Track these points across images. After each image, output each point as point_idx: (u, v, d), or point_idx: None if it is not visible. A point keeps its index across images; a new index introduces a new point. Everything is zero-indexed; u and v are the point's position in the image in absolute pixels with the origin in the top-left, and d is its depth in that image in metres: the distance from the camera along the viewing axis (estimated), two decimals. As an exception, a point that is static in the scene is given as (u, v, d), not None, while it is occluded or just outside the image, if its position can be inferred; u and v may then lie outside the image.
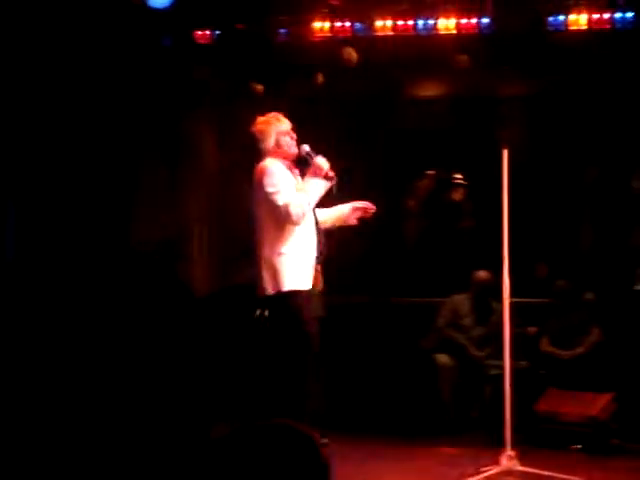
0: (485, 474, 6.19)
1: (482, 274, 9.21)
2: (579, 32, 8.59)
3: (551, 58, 9.17)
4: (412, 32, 9.02)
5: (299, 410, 6.04)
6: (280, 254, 6.26)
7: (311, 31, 9.15)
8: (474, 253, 10.67)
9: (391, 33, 9.00)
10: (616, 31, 8.56)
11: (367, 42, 9.22)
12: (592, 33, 8.59)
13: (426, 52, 9.28)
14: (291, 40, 9.24)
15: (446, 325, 9.32)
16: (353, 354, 9.54)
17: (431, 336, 9.45)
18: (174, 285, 1.82)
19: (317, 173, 6.27)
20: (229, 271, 10.61)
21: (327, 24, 9.13)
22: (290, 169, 6.43)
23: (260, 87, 9.94)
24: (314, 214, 6.46)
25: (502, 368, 6.68)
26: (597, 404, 7.71)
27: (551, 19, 8.60)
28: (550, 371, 8.93)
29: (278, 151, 6.41)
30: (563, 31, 8.63)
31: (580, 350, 8.95)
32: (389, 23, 8.96)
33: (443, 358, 9.17)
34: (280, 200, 6.19)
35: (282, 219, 6.22)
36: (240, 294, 10.11)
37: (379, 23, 8.99)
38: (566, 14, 8.55)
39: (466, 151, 10.69)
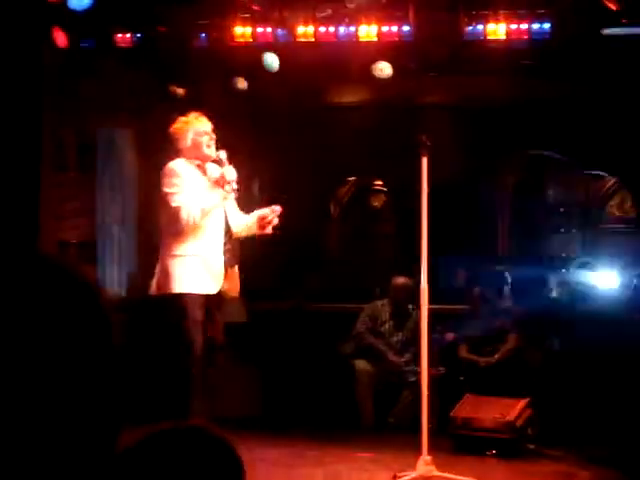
0: (401, 479, 6.20)
1: (401, 280, 9.26)
2: (498, 42, 8.68)
3: (470, 66, 9.26)
4: (333, 39, 9.03)
5: (183, 412, 6.08)
6: (173, 256, 6.25)
7: (232, 36, 9.11)
8: (393, 259, 10.74)
9: (312, 39, 9.00)
10: (533, 41, 8.67)
11: (289, 48, 9.22)
12: (510, 43, 8.68)
13: (347, 59, 9.30)
14: (212, 45, 9.19)
15: (365, 331, 9.34)
16: (273, 359, 9.52)
17: (350, 342, 9.46)
18: (81, 288, 1.78)
19: (219, 182, 6.26)
20: (147, 275, 10.53)
21: (248, 29, 9.10)
22: (201, 169, 6.41)
23: (181, 91, 9.88)
24: (225, 220, 6.44)
25: (420, 374, 6.70)
26: (513, 410, 7.78)
27: (470, 29, 8.67)
28: (468, 377, 9.00)
29: (192, 151, 6.38)
30: (482, 40, 8.71)
31: (497, 357, 9.03)
32: (310, 30, 8.96)
33: (361, 364, 9.20)
34: (173, 202, 6.21)
35: (173, 221, 6.21)
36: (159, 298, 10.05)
37: (300, 29, 8.99)
38: (485, 24, 8.63)
39: (386, 158, 10.74)
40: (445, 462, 6.54)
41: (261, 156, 10.93)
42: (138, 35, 9.27)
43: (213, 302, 6.46)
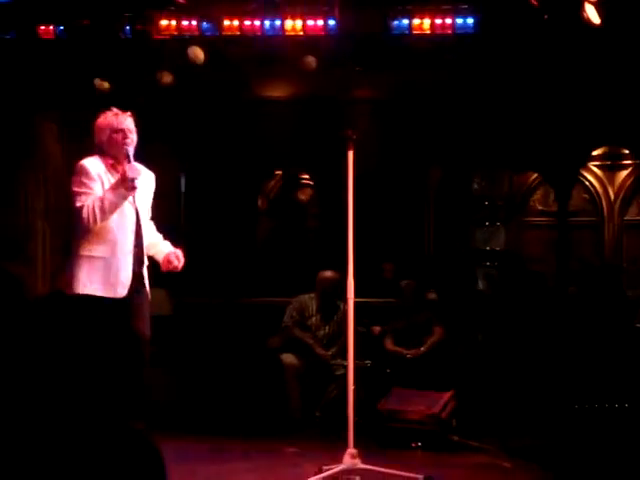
0: (327, 472, 6.22)
1: (328, 274, 9.28)
2: (423, 36, 8.74)
3: (396, 61, 9.31)
4: (259, 33, 9.02)
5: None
6: (75, 255, 6.11)
7: (157, 29, 9.05)
8: (320, 253, 10.76)
9: (238, 33, 8.98)
10: (458, 36, 8.74)
11: (215, 41, 9.19)
12: (435, 37, 8.75)
13: (273, 53, 9.30)
14: (137, 37, 9.12)
15: (292, 324, 9.35)
16: (201, 353, 9.49)
17: (277, 335, 9.47)
18: (5, 285, 1.76)
19: (122, 179, 6.06)
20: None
21: (174, 22, 9.05)
22: (115, 169, 6.20)
23: (106, 84, 9.80)
24: (136, 221, 6.25)
25: (347, 367, 6.73)
26: (438, 402, 7.85)
27: (396, 23, 8.72)
28: (394, 370, 9.06)
29: (108, 148, 6.22)
30: (408, 35, 8.76)
31: (423, 349, 9.10)
32: (236, 23, 8.94)
33: (289, 357, 9.20)
34: (77, 201, 6.04)
35: (77, 220, 6.06)
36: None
37: (226, 22, 8.96)
38: (410, 18, 8.68)
39: (313, 152, 10.77)
40: (371, 455, 6.57)
41: (188, 151, 10.90)
42: (61, 27, 9.16)
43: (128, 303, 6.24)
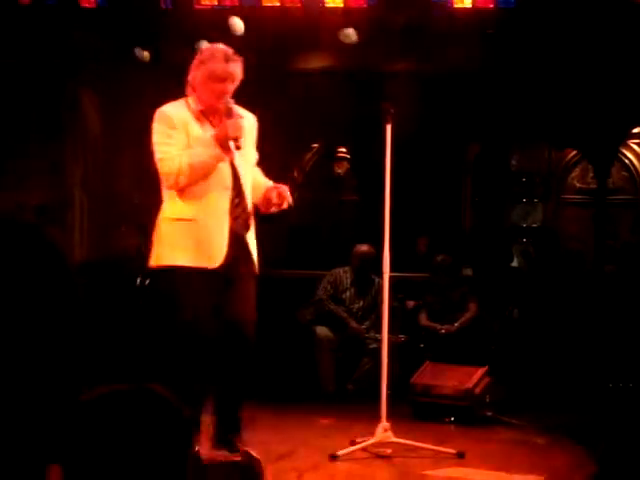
0: (359, 445, 6.24)
1: (363, 248, 9.27)
2: (464, 9, 8.68)
3: (436, 34, 9.26)
4: (299, 4, 9.00)
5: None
6: (166, 219, 5.28)
7: (198, -1, 9.06)
8: (355, 226, 10.76)
9: (278, 4, 8.96)
10: (499, 9, 8.68)
11: (254, 13, 9.18)
12: (476, 11, 8.69)
13: (313, 24, 9.28)
14: (177, 8, 9.13)
15: (327, 297, 9.36)
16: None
17: (311, 308, 9.49)
18: (47, 251, 1.78)
19: (220, 135, 5.20)
20: (110, 238, 10.50)
21: (214, -8, 9.06)
22: (206, 117, 5.33)
23: (145, 53, 9.81)
24: (235, 179, 5.35)
25: (381, 341, 6.74)
26: (472, 377, 7.83)
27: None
28: (428, 345, 9.05)
29: (199, 93, 5.30)
30: (449, 8, 8.71)
31: (457, 325, 9.09)
32: (276, -6, 8.95)
33: (323, 330, 9.22)
34: (158, 152, 5.25)
35: (160, 176, 5.29)
36: (120, 262, 10.05)
37: (266, -6, 8.96)
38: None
39: (350, 125, 10.74)
40: (403, 428, 6.58)
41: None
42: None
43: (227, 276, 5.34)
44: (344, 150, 12.29)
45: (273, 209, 5.59)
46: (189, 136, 5.25)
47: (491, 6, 8.61)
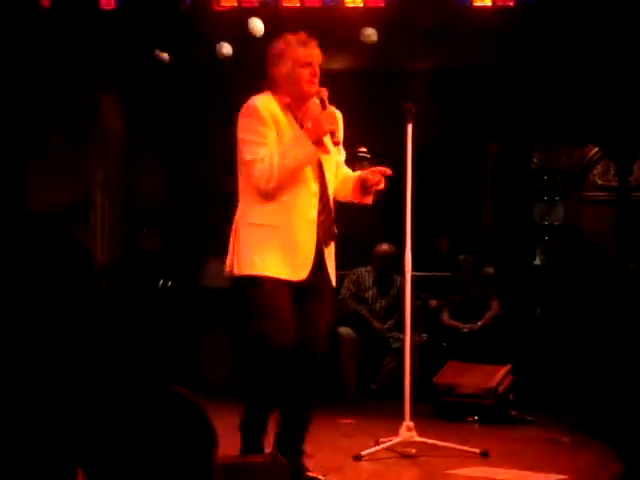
0: (383, 445, 6.24)
1: (385, 247, 9.27)
2: (484, 7, 8.66)
3: (457, 32, 9.24)
4: (319, 4, 9.00)
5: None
6: (250, 225, 4.85)
7: (217, 0, 9.06)
8: (377, 225, 10.74)
9: (298, 5, 8.96)
10: (519, 7, 8.66)
11: (274, 13, 9.18)
12: (496, 8, 8.67)
13: (333, 25, 9.27)
14: (196, 9, 9.15)
15: (349, 297, 9.36)
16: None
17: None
18: (76, 250, 1.78)
19: (317, 130, 4.78)
20: (132, 240, 10.54)
21: (234, -7, 9.08)
22: (292, 112, 4.94)
23: (166, 55, 9.84)
24: (321, 181, 4.95)
25: (403, 340, 6.73)
26: (495, 376, 7.82)
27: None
28: (451, 344, 9.04)
29: (287, 84, 4.89)
30: (469, 6, 8.69)
31: (480, 323, 9.08)
32: (296, -6, 8.95)
33: (345, 330, 9.22)
34: (248, 153, 4.77)
35: (247, 178, 4.82)
36: (143, 262, 10.08)
37: (286, -6, 8.96)
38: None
39: (371, 124, 10.72)
40: (427, 428, 6.58)
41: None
42: (123, -2, 9.22)
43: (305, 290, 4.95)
44: (364, 150, 12.26)
45: (369, 195, 5.11)
46: (279, 133, 4.84)
47: (511, 4, 8.58)
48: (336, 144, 4.87)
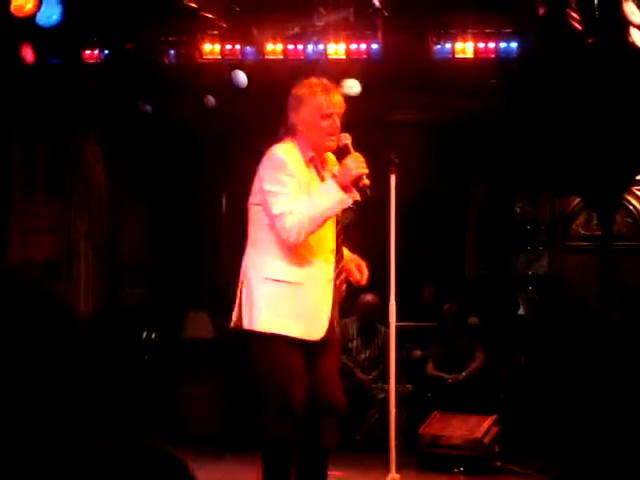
0: (370, 497, 6.19)
1: (368, 297, 9.25)
2: (466, 60, 8.72)
3: (439, 85, 9.31)
4: (302, 57, 9.05)
5: None
6: (265, 280, 4.64)
7: (200, 53, 9.11)
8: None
9: (281, 57, 9.01)
10: (501, 60, 8.73)
11: (257, 66, 9.23)
12: (478, 62, 8.73)
13: (316, 76, 9.31)
14: (180, 61, 9.19)
15: (333, 348, 9.31)
16: (243, 377, 9.47)
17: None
18: (52, 305, 1.76)
19: (345, 175, 4.62)
20: (115, 292, 10.50)
21: (217, 46, 9.11)
22: (313, 164, 4.79)
23: (149, 107, 9.88)
24: (336, 236, 4.80)
25: (388, 391, 6.70)
26: (480, 427, 7.80)
27: (438, 47, 8.71)
28: (436, 394, 9.01)
29: (307, 133, 4.73)
30: (450, 59, 8.75)
31: (464, 374, 9.05)
32: (279, 47, 8.97)
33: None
34: (275, 205, 4.55)
35: (270, 232, 4.63)
36: (126, 314, 10.04)
37: (269, 47, 8.99)
38: (453, 43, 8.67)
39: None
40: (412, 480, 6.54)
41: (227, 173, 10.93)
42: (106, 51, 9.24)
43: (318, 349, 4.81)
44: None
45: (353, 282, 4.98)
46: (302, 185, 4.67)
47: (493, 56, 8.65)
48: (364, 187, 4.69)
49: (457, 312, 9.45)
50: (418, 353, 9.51)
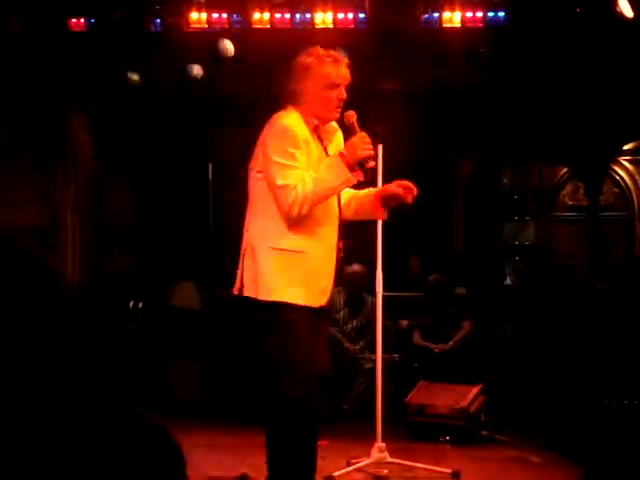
0: (355, 466, 6.22)
1: (355, 268, 9.25)
2: (453, 29, 8.70)
3: (426, 54, 9.29)
4: (289, 26, 9.01)
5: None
6: (271, 249, 4.59)
7: (187, 22, 9.06)
8: (347, 246, 10.73)
9: (268, 26, 8.97)
10: (489, 29, 8.71)
11: (244, 35, 9.19)
12: (466, 31, 8.71)
13: (303, 46, 9.28)
14: (167, 30, 9.14)
15: (320, 318, 9.33)
16: (229, 347, 9.50)
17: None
18: (42, 274, 1.76)
19: (352, 155, 4.54)
20: (102, 261, 10.49)
21: (204, 15, 9.06)
22: (317, 134, 4.70)
23: (136, 76, 9.83)
24: (338, 205, 4.77)
25: (375, 361, 6.73)
26: (466, 396, 7.83)
27: (426, 16, 8.69)
28: (422, 364, 9.04)
29: (312, 104, 4.62)
30: (438, 28, 8.73)
31: (451, 343, 9.08)
32: (266, 16, 8.93)
33: (317, 351, 9.19)
34: (279, 176, 4.48)
35: (276, 203, 4.55)
36: (113, 284, 10.04)
37: (256, 16, 8.95)
38: (440, 12, 8.65)
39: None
40: (399, 449, 6.57)
41: (210, 146, 10.91)
42: (92, 20, 9.19)
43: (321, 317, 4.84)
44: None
45: (386, 209, 4.99)
46: (310, 157, 4.58)
47: (481, 25, 8.63)
48: (370, 168, 4.65)
49: (444, 282, 9.47)
50: (405, 323, 9.53)
